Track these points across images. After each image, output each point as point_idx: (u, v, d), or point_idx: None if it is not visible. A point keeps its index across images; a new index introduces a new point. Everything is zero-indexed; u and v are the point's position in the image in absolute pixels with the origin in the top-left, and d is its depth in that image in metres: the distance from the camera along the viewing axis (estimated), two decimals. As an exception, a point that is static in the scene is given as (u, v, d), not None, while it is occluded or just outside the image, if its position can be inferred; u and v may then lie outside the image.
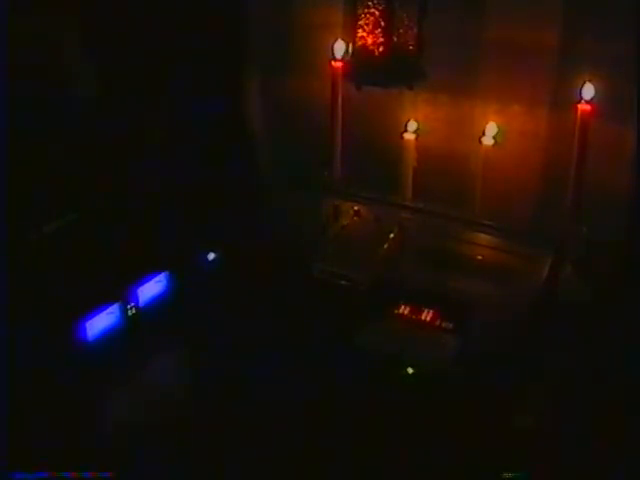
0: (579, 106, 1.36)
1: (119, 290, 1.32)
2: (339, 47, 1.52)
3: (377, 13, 1.37)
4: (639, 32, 1.33)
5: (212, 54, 1.63)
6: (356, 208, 1.53)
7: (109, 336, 1.29)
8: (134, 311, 1.34)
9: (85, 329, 1.25)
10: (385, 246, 1.46)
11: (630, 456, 1.10)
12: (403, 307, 1.35)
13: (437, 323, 1.33)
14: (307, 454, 1.10)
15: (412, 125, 1.59)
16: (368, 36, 1.40)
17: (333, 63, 1.52)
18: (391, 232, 1.47)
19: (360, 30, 1.40)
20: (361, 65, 1.43)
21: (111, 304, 1.29)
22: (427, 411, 1.17)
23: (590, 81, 1.36)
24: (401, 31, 1.40)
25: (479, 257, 1.43)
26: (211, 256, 1.50)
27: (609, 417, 1.16)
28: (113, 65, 1.55)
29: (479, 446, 1.11)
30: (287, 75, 1.75)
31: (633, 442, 1.12)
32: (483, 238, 1.44)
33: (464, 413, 1.16)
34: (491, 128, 1.51)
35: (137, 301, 1.34)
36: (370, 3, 1.37)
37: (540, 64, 1.49)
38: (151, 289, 1.38)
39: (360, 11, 1.39)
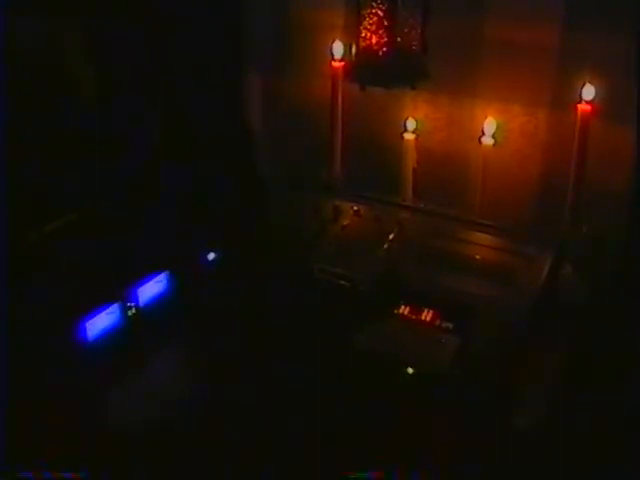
0: (579, 106, 1.36)
1: (119, 290, 1.32)
2: (337, 48, 1.52)
3: (381, 13, 1.37)
4: (639, 32, 1.33)
5: (212, 54, 1.63)
6: (356, 208, 1.53)
7: (109, 336, 1.29)
8: (134, 311, 1.33)
9: (85, 329, 1.24)
10: (385, 246, 1.45)
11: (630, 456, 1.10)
12: (403, 307, 1.35)
13: (437, 323, 1.32)
14: (307, 454, 1.10)
15: (411, 123, 1.58)
16: (372, 36, 1.39)
17: (333, 63, 1.53)
18: (391, 232, 1.47)
19: (364, 30, 1.40)
20: (365, 65, 1.43)
21: (111, 304, 1.29)
22: (427, 411, 1.17)
23: (590, 81, 1.37)
24: (405, 31, 1.40)
25: (477, 257, 1.43)
26: (211, 256, 1.50)
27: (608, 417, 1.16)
28: (112, 66, 1.55)
29: (479, 446, 1.11)
30: (287, 75, 1.75)
31: (633, 441, 1.12)
32: (483, 238, 1.44)
33: (464, 413, 1.16)
34: (489, 124, 1.50)
35: (137, 301, 1.34)
36: (374, 3, 1.37)
37: (540, 64, 1.49)
38: (151, 289, 1.37)
39: (364, 11, 1.38)
